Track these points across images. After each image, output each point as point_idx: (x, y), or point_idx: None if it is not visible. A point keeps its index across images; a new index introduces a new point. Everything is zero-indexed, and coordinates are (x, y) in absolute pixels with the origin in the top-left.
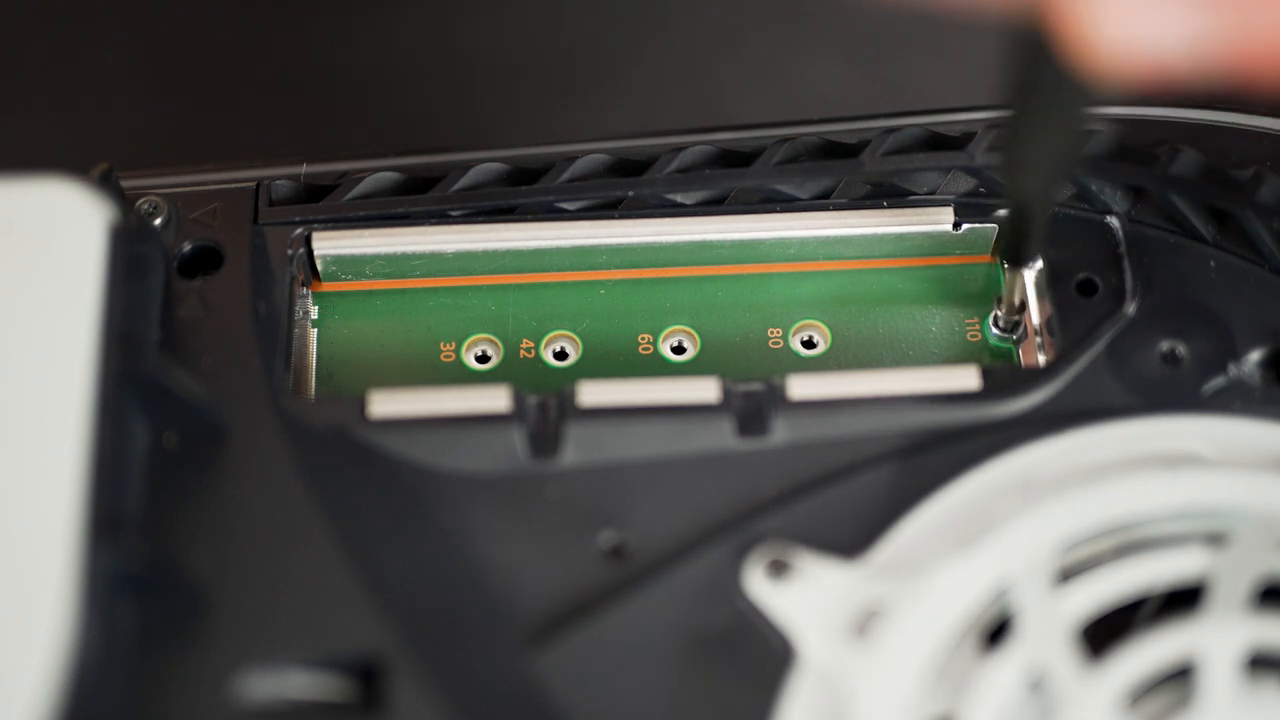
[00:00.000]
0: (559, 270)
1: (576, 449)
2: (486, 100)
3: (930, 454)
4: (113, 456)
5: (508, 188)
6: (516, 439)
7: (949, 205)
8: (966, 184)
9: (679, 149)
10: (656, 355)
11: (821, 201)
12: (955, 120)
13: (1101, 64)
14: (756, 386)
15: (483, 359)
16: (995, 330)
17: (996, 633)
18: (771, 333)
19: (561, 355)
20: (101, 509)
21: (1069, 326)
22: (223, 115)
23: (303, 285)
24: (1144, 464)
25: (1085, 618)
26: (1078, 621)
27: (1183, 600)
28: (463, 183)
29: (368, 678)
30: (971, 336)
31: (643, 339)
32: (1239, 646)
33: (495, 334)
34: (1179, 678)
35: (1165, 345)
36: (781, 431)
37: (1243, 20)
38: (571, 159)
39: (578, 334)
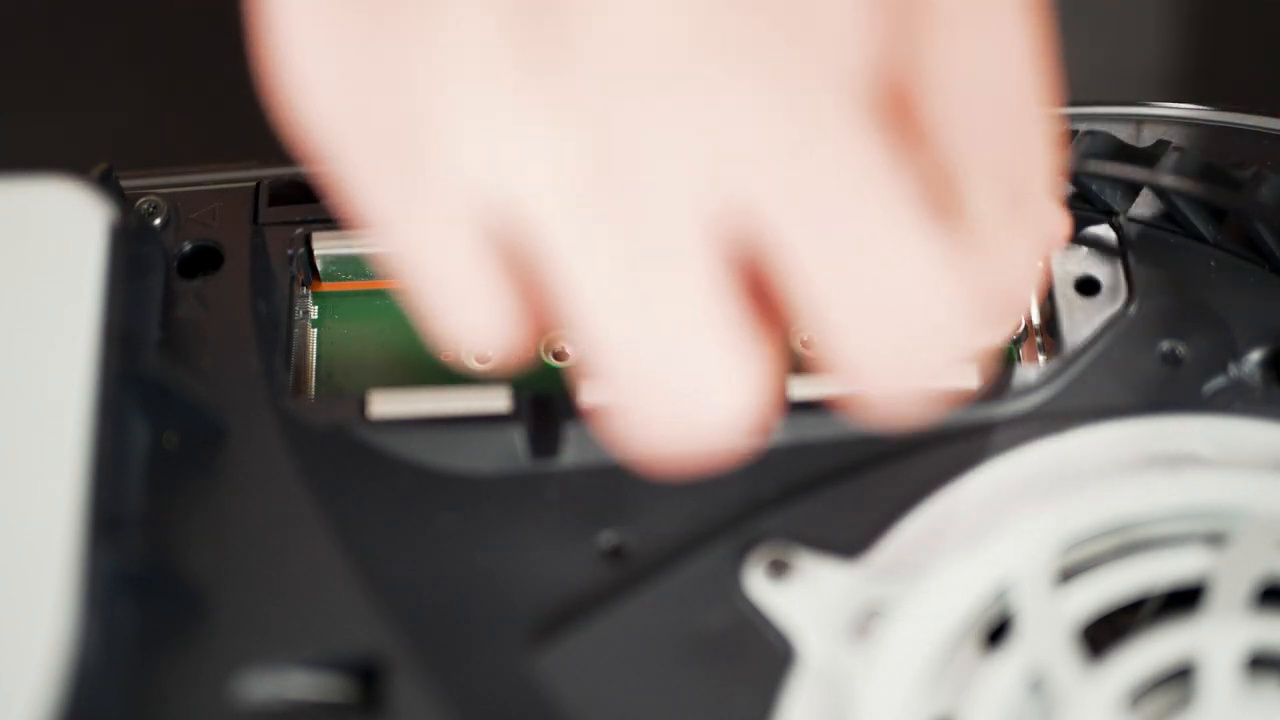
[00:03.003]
0: None
1: (576, 449)
2: None
3: (930, 454)
4: (113, 456)
5: None
6: (516, 439)
7: None
8: None
9: None
10: None
11: None
12: None
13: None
14: None
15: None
16: None
17: (997, 633)
18: None
19: (561, 355)
20: (101, 509)
21: (1069, 326)
22: (223, 115)
23: (303, 285)
24: (1144, 464)
25: (1086, 618)
26: (1078, 622)
27: (1183, 600)
28: None
29: (368, 678)
30: None
31: None
32: (1239, 647)
33: None
34: (1179, 678)
35: (1165, 345)
36: (781, 431)
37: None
38: None
39: None
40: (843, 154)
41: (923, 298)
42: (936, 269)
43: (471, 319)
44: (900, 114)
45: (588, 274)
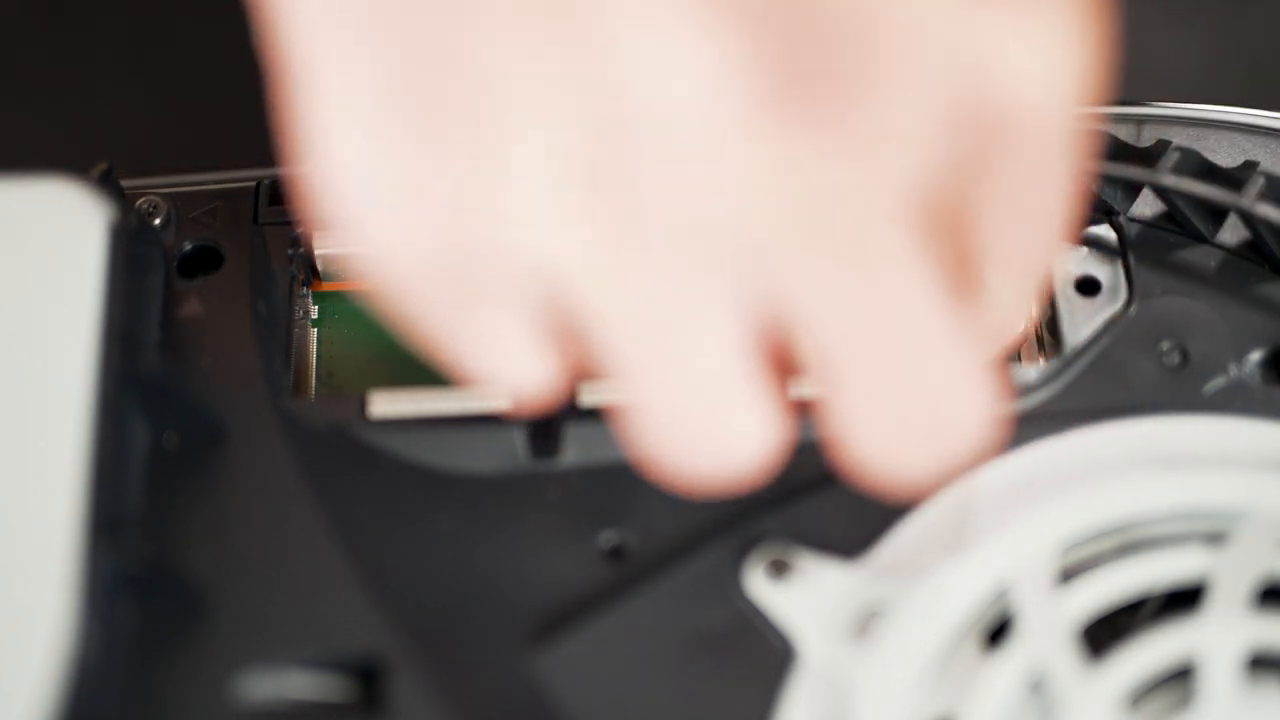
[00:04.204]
0: None
1: (576, 449)
2: None
3: None
4: (113, 456)
5: None
6: (516, 439)
7: None
8: None
9: None
10: None
11: None
12: None
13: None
14: None
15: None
16: None
17: (997, 633)
18: None
19: None
20: (101, 509)
21: (1069, 327)
22: (223, 115)
23: (303, 285)
24: (1144, 464)
25: (1086, 618)
26: (1078, 622)
27: (1183, 600)
28: None
29: (368, 678)
30: None
31: None
32: (1239, 647)
33: None
34: (1180, 678)
35: (1165, 345)
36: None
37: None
38: None
39: None
40: (882, 252)
41: (941, 385)
42: (957, 356)
43: (516, 380)
44: (938, 214)
45: (621, 329)
